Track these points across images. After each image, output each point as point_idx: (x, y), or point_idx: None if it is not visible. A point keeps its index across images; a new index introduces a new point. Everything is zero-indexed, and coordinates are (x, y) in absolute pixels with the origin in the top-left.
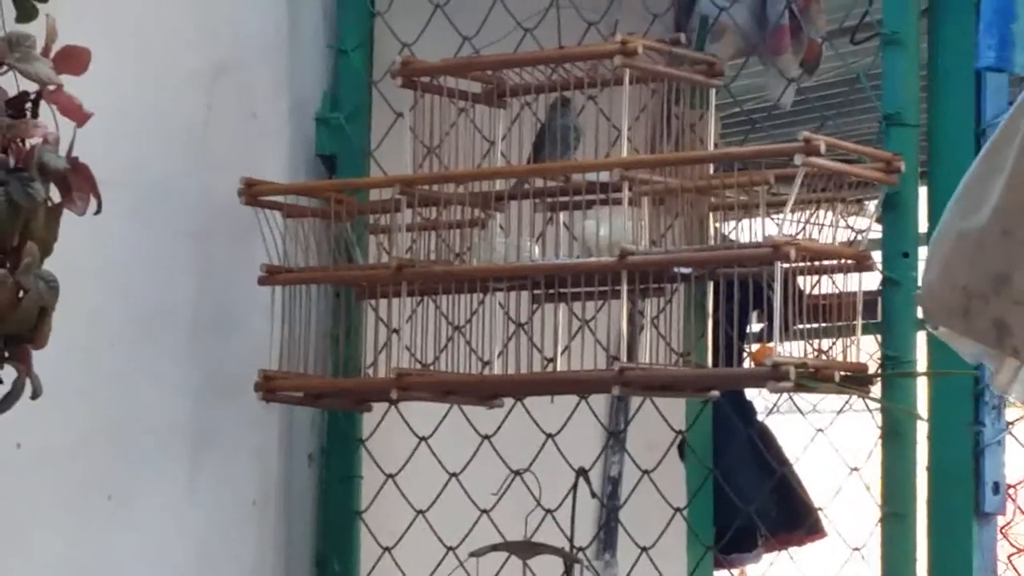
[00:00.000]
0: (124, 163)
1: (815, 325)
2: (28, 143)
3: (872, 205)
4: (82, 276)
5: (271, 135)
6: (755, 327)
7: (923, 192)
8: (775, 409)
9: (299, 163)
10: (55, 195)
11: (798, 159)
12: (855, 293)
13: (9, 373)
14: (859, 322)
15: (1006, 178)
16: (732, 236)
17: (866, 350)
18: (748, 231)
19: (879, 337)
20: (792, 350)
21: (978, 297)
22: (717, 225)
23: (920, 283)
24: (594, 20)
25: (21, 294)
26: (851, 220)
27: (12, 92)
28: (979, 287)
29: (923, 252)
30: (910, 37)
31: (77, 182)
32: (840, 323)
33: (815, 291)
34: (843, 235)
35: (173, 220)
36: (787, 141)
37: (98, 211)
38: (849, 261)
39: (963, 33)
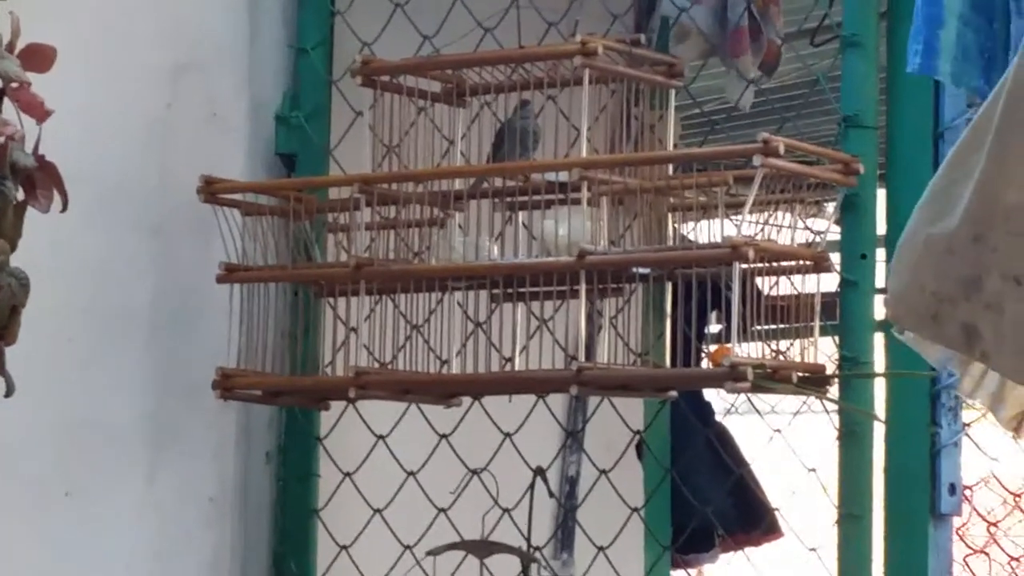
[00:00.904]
0: (84, 160)
1: (774, 326)
2: None
3: (831, 206)
4: (41, 273)
5: (231, 133)
6: (714, 328)
7: (881, 194)
8: (733, 410)
9: (259, 162)
10: (19, 193)
11: (757, 160)
12: (813, 294)
13: None
14: (816, 323)
15: (975, 183)
16: (691, 237)
17: (825, 352)
18: (707, 232)
19: (837, 338)
20: (751, 351)
21: (947, 302)
22: (676, 226)
23: (887, 288)
24: (554, 20)
25: None
26: (810, 221)
27: None
28: (948, 292)
29: (881, 254)
30: (869, 40)
31: (43, 180)
32: (798, 324)
33: (774, 292)
34: (802, 236)
35: (132, 217)
36: (747, 142)
37: (64, 209)
38: (807, 262)
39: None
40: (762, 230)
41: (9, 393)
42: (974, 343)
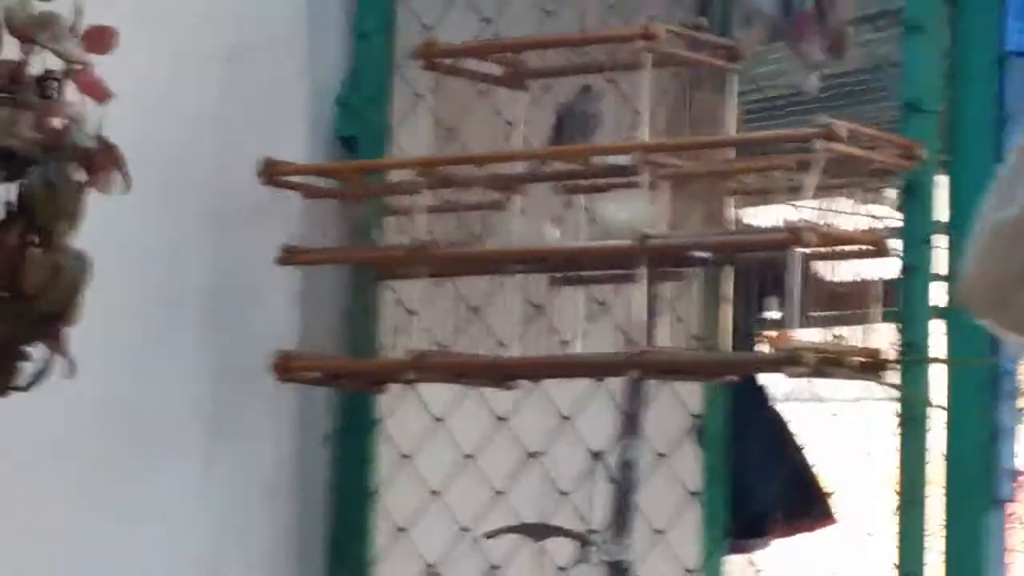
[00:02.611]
0: (144, 144)
1: (833, 313)
2: (59, 122)
3: (892, 192)
4: (100, 256)
5: (291, 116)
6: (773, 313)
7: (944, 181)
8: (792, 396)
9: (319, 145)
10: (80, 174)
11: (818, 145)
12: (873, 280)
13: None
14: (878, 309)
15: None
16: (753, 223)
17: (885, 337)
18: (768, 217)
19: (897, 324)
20: (811, 337)
21: (1013, 287)
22: (737, 210)
23: (959, 276)
24: (615, 3)
25: (55, 272)
26: (870, 207)
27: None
28: (1013, 277)
29: (942, 240)
30: (932, 25)
31: (104, 161)
32: (858, 311)
33: (834, 277)
34: (863, 222)
35: (192, 201)
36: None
37: (126, 190)
38: (867, 247)
39: (987, 20)
40: (822, 215)
41: (72, 374)
42: None
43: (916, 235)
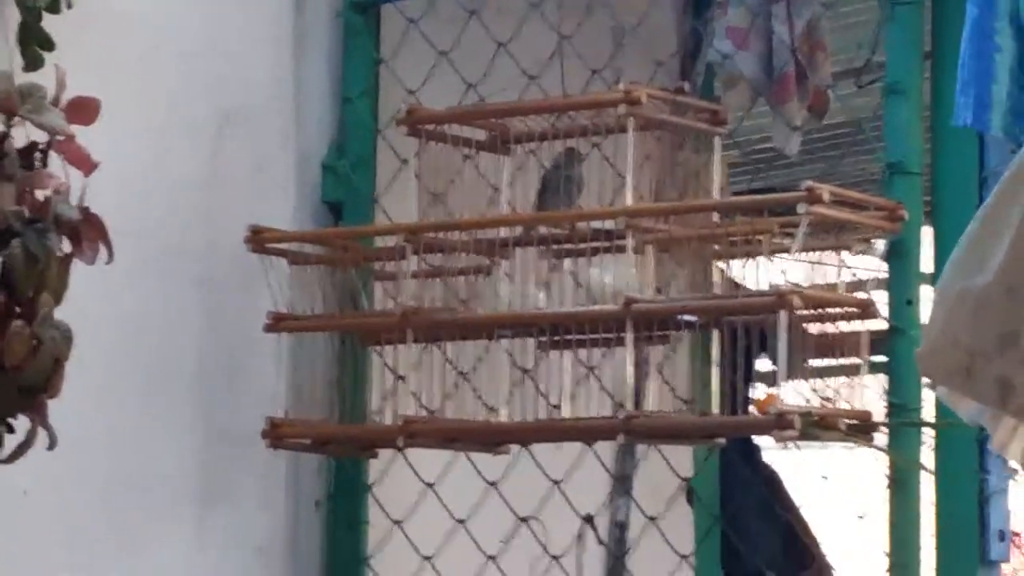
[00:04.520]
0: (131, 213)
1: (821, 363)
2: (41, 194)
3: (880, 243)
4: (90, 325)
5: (278, 183)
6: (764, 367)
7: (927, 232)
8: (784, 446)
9: (305, 211)
10: (65, 245)
11: (801, 208)
12: (861, 333)
13: (22, 423)
14: (864, 367)
15: (1012, 236)
16: (739, 274)
17: (874, 390)
18: (755, 273)
19: (885, 379)
20: (799, 388)
21: (981, 356)
22: (724, 266)
23: (921, 342)
24: (598, 68)
25: (36, 344)
26: (858, 259)
27: (20, 142)
28: (983, 346)
29: (928, 292)
30: (913, 85)
31: (88, 232)
32: (845, 362)
33: (822, 328)
34: (848, 275)
35: (180, 268)
36: (791, 187)
37: (109, 260)
38: (854, 309)
39: None
40: (808, 277)
41: (52, 446)
42: (1009, 398)
43: (902, 296)
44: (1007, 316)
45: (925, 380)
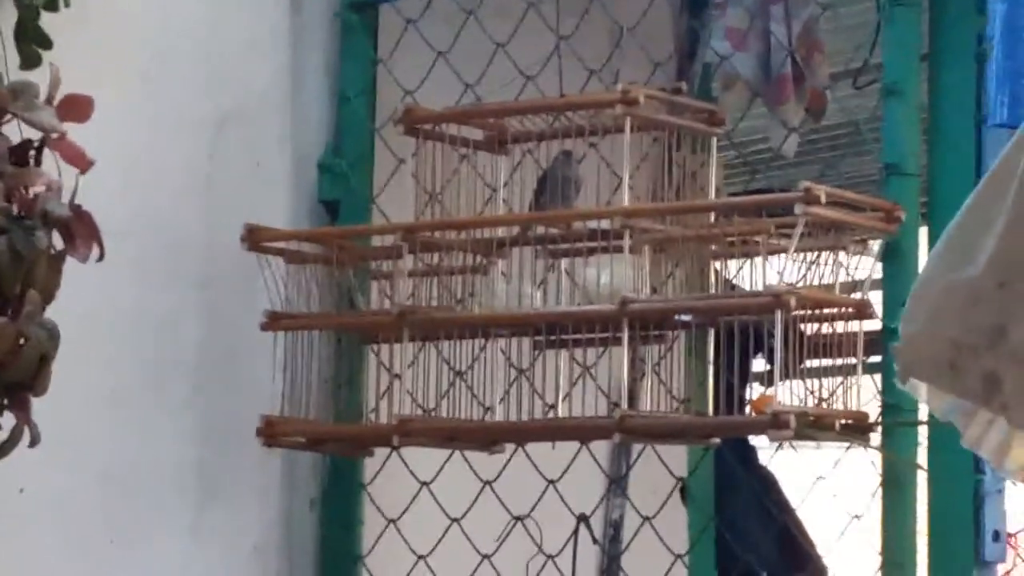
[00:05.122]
0: (128, 211)
1: (817, 363)
2: (31, 191)
3: (876, 244)
4: (87, 323)
5: (275, 182)
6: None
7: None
8: (781, 446)
9: (302, 210)
10: (58, 243)
11: (798, 209)
12: (856, 333)
13: (8, 420)
14: (859, 367)
15: (1002, 230)
16: (736, 275)
17: (870, 390)
18: (750, 273)
19: (879, 379)
20: (794, 388)
21: (968, 350)
22: (720, 266)
23: (900, 336)
24: (596, 68)
25: (22, 342)
26: (854, 259)
27: (15, 140)
28: (970, 340)
29: None
30: (910, 87)
31: (80, 230)
32: (841, 361)
33: (818, 328)
34: (844, 276)
35: (176, 267)
36: (789, 188)
37: (100, 258)
38: (850, 309)
39: (963, 81)
40: (804, 276)
41: (34, 443)
42: (994, 394)
43: (897, 298)
44: (997, 310)
45: (897, 372)
